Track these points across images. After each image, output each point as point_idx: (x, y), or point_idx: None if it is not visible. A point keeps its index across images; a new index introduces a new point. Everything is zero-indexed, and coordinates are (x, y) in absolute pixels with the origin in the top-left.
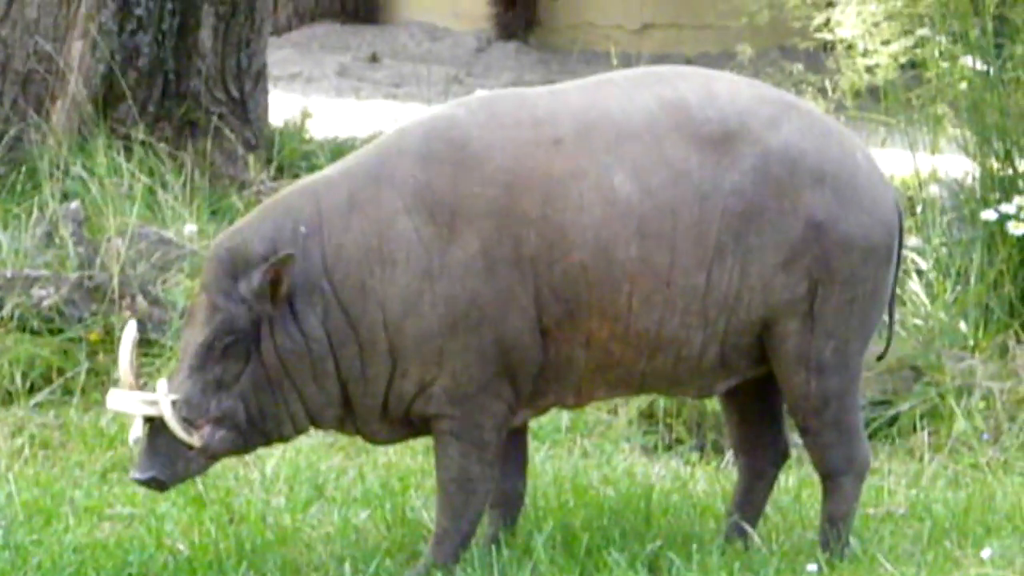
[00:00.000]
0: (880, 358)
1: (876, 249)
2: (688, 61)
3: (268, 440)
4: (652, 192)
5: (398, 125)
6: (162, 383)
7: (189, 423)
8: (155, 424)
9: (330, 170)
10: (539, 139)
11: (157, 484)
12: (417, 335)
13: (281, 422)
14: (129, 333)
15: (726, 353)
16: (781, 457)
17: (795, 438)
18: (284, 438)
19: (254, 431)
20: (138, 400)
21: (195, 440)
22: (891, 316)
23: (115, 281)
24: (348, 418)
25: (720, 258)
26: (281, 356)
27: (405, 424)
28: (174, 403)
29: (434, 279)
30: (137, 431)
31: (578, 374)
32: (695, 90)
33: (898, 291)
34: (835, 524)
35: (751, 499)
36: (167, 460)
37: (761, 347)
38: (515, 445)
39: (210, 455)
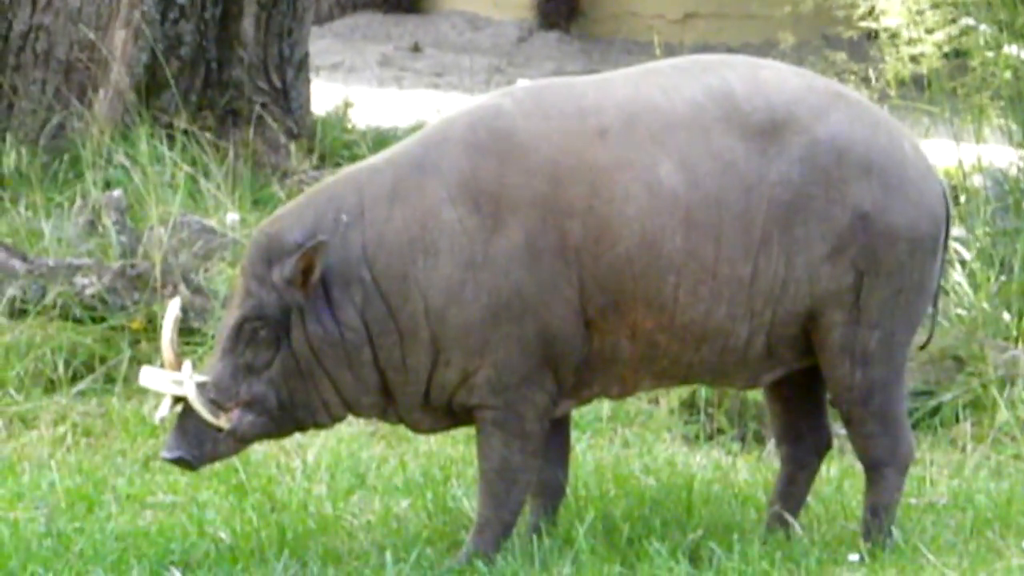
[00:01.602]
0: (923, 347)
1: (923, 240)
2: (731, 51)
3: (302, 426)
4: (698, 183)
5: (443, 115)
6: (187, 364)
7: (218, 405)
8: (186, 404)
9: (375, 159)
10: (585, 129)
11: (185, 463)
12: (460, 325)
13: (314, 409)
14: (172, 310)
15: (772, 344)
16: (824, 447)
17: (838, 428)
18: (320, 424)
19: (286, 417)
20: (167, 380)
21: (222, 422)
22: (935, 307)
23: (157, 270)
24: (390, 407)
25: (766, 248)
26: (312, 344)
27: (447, 413)
28: (204, 384)
29: (478, 269)
30: (164, 410)
31: (623, 365)
32: (742, 79)
33: (941, 281)
34: (878, 514)
35: (793, 489)
36: (196, 440)
37: (807, 338)
38: (557, 435)
39: (239, 438)
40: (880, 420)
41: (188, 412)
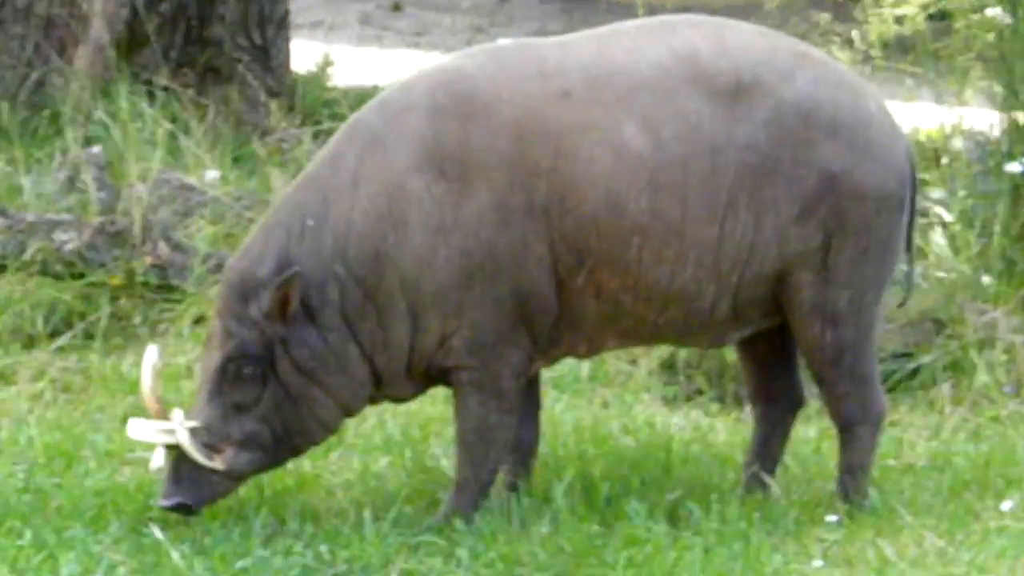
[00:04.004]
0: (900, 305)
1: (889, 199)
2: (713, 12)
3: (298, 452)
4: (663, 145)
5: (401, 80)
6: (177, 412)
7: (212, 448)
8: (178, 449)
9: (332, 145)
10: (547, 91)
11: (185, 509)
12: (434, 290)
13: (310, 432)
14: (150, 358)
15: (738, 306)
16: (796, 404)
17: (816, 390)
18: (316, 444)
19: (281, 448)
20: (156, 430)
21: (217, 464)
22: (911, 266)
23: (137, 226)
24: (378, 391)
25: (733, 211)
26: (303, 368)
27: (425, 378)
28: (195, 430)
29: (448, 233)
30: (159, 459)
31: (590, 324)
32: (707, 41)
33: (921, 243)
34: (853, 474)
35: (768, 448)
36: (192, 484)
37: (774, 298)
38: (528, 393)
39: (235, 477)
40: (851, 379)
41: (180, 457)
